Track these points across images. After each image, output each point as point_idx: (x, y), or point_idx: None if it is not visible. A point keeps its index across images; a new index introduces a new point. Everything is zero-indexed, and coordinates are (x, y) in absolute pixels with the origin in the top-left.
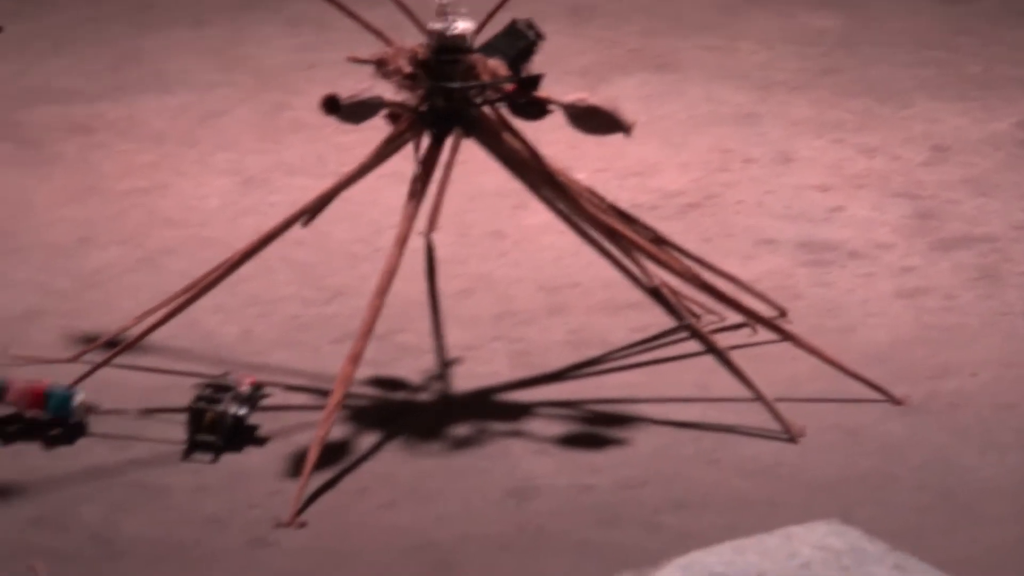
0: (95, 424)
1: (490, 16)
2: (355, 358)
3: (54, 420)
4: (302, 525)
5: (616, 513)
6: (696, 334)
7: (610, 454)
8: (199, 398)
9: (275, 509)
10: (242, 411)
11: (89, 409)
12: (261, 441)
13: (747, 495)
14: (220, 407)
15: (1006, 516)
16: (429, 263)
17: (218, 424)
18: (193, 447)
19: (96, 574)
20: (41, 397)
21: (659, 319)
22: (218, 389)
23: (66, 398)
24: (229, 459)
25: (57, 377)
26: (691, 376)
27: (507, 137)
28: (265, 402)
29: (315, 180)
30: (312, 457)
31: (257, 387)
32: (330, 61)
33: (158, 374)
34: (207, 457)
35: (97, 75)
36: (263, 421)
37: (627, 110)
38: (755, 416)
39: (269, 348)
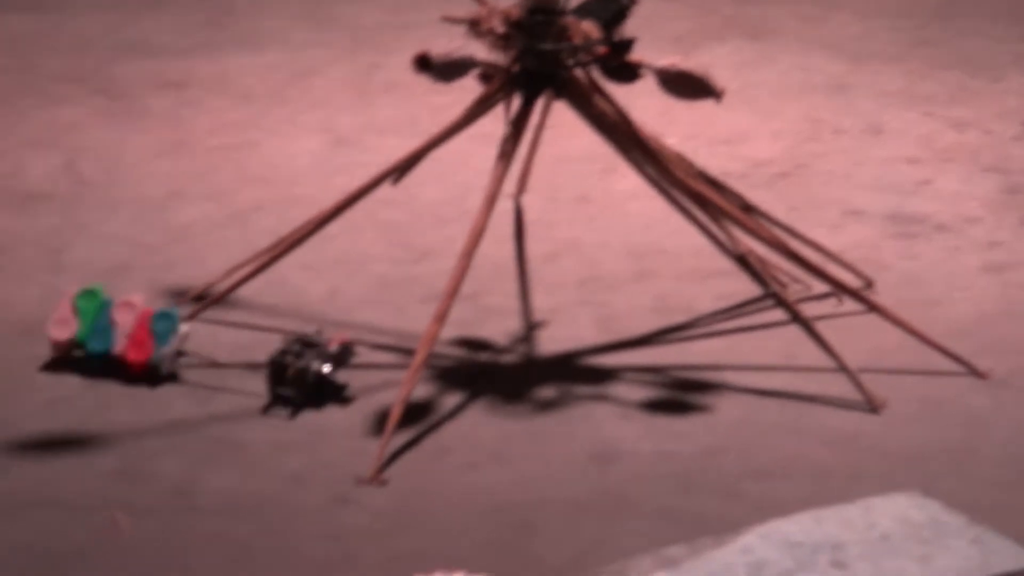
0: (180, 375)
1: None
2: (440, 318)
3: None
4: (383, 483)
5: (697, 480)
6: (782, 303)
7: (693, 421)
8: (284, 352)
9: (356, 467)
10: (326, 368)
11: (180, 353)
12: (345, 400)
13: (828, 465)
14: (303, 362)
15: None
16: (517, 226)
17: (299, 379)
18: (273, 401)
19: (176, 527)
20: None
21: (745, 287)
22: (305, 345)
23: (172, 320)
24: (311, 416)
25: None
26: (776, 345)
27: (598, 100)
28: (352, 362)
29: (406, 140)
30: (395, 416)
31: (346, 346)
32: (424, 21)
33: (245, 329)
34: (285, 412)
35: (191, 31)
36: (347, 379)
37: (719, 77)
38: (838, 386)
39: (355, 306)
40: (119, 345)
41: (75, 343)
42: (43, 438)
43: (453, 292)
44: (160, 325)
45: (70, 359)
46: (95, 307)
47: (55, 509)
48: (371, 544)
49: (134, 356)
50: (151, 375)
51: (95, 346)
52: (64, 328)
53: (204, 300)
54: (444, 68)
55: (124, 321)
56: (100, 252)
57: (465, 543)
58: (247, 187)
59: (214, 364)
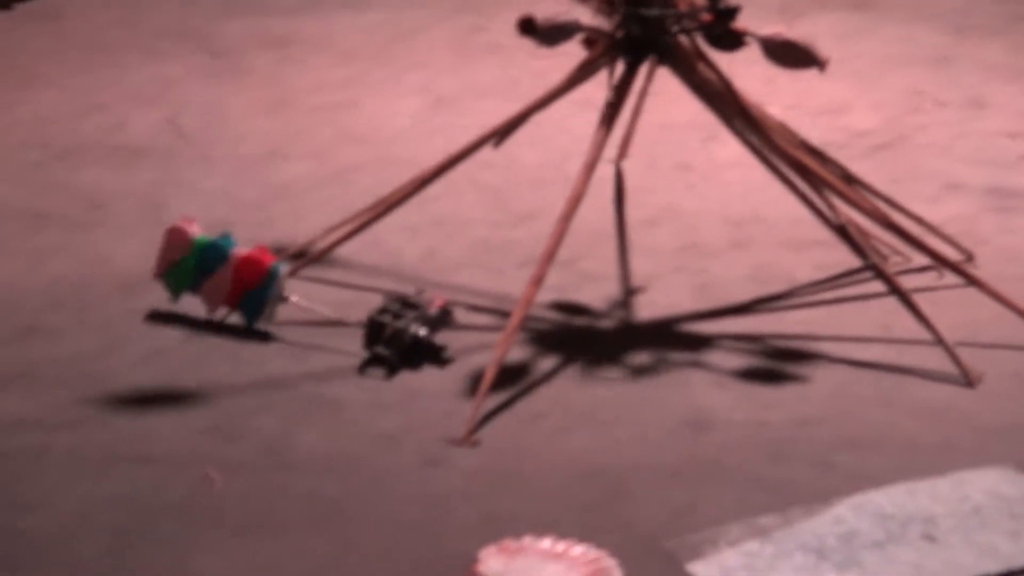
0: (277, 331)
1: None
2: (537, 281)
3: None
4: (475, 444)
5: (789, 449)
6: (881, 274)
7: (787, 390)
8: (383, 311)
9: (450, 429)
10: (423, 331)
11: (281, 299)
12: (443, 362)
13: (921, 438)
14: (401, 323)
15: None
16: (617, 191)
17: (396, 339)
18: (369, 360)
19: (268, 485)
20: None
21: (844, 258)
22: (405, 305)
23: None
24: (406, 377)
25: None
26: (873, 316)
27: (702, 67)
28: (450, 325)
29: (506, 103)
30: (488, 378)
31: (446, 309)
32: None
33: (343, 288)
34: (381, 372)
35: None
36: (445, 341)
37: (822, 47)
38: (934, 359)
39: (453, 268)
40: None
41: (192, 246)
42: (140, 393)
43: (550, 256)
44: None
45: (170, 315)
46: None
47: (150, 464)
48: (462, 506)
49: (251, 258)
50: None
51: (212, 250)
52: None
53: (303, 258)
54: (548, 32)
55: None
56: (200, 208)
57: (556, 507)
58: (347, 146)
59: (317, 320)
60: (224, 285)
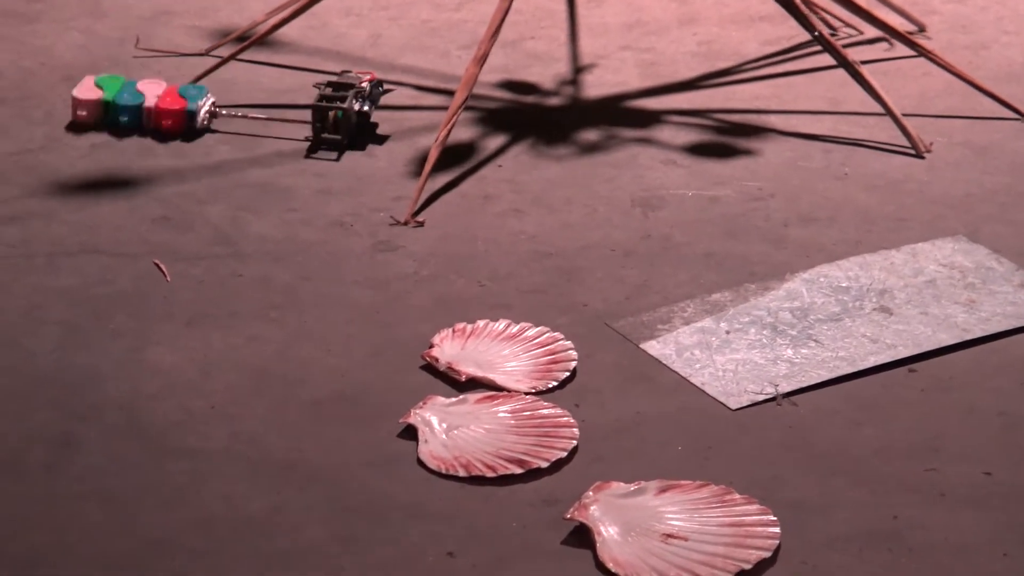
0: (221, 124)
1: None
2: (480, 59)
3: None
4: (419, 224)
5: (742, 225)
6: (828, 47)
7: (738, 166)
8: (323, 96)
9: (399, 213)
10: (365, 107)
11: (213, 114)
12: (382, 139)
13: (874, 210)
14: (344, 104)
15: None
16: None
17: (342, 122)
18: (316, 145)
19: (221, 274)
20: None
21: (793, 31)
22: (339, 87)
23: (201, 91)
24: (353, 163)
25: (186, 71)
26: (822, 90)
27: None
28: (392, 104)
29: None
30: (432, 158)
31: (377, 83)
32: None
33: (286, 71)
34: (331, 155)
35: None
36: (389, 124)
37: None
38: (886, 132)
39: (398, 52)
40: (150, 101)
41: (103, 103)
42: (86, 185)
43: (493, 33)
44: (189, 92)
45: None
46: (119, 84)
47: (99, 256)
48: (415, 290)
49: (167, 104)
50: (187, 129)
51: (127, 99)
52: (91, 92)
53: (245, 41)
54: None
55: (151, 89)
56: None
57: (509, 289)
58: None
59: (253, 117)
60: (151, 126)
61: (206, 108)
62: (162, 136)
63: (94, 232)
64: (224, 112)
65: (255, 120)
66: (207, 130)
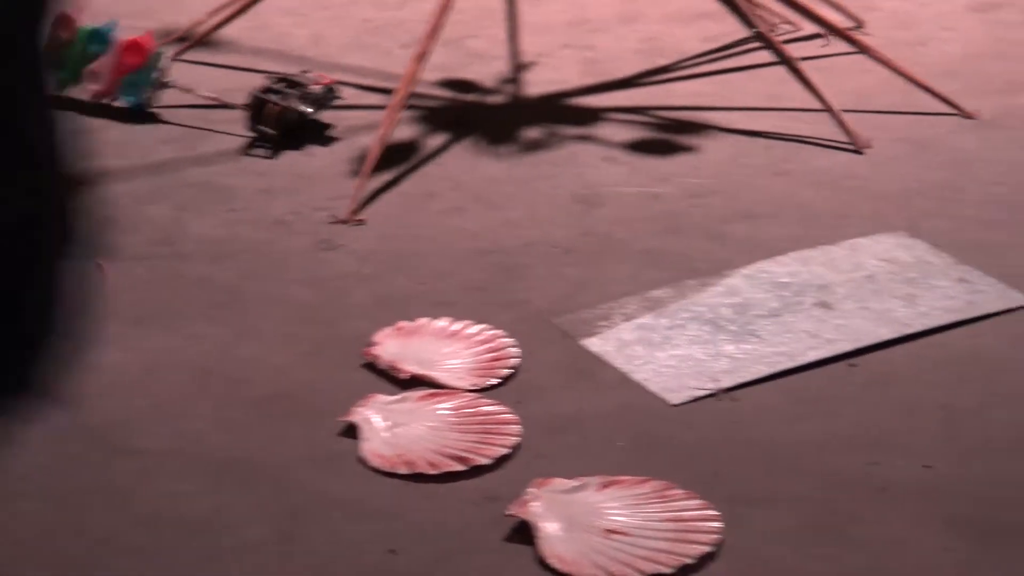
0: (162, 116)
1: None
2: (420, 57)
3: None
4: (361, 222)
5: (683, 222)
6: (768, 43)
7: (678, 162)
8: (267, 90)
9: (341, 212)
10: (308, 109)
11: (163, 84)
12: (326, 141)
13: (814, 206)
14: (286, 102)
15: None
16: None
17: (281, 118)
18: (253, 140)
19: (163, 274)
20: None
21: (733, 28)
22: (290, 84)
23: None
24: (296, 162)
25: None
26: (762, 86)
27: None
28: (336, 104)
29: None
30: (373, 155)
31: (330, 88)
32: None
33: (229, 71)
34: (266, 152)
35: None
36: (330, 122)
37: None
38: (825, 128)
39: (340, 52)
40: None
41: (77, 35)
42: None
43: (434, 31)
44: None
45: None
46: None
47: None
48: (356, 288)
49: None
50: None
51: (97, 36)
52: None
53: (186, 41)
54: None
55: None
56: None
57: (450, 287)
58: None
59: (203, 103)
60: (107, 69)
61: (164, 70)
62: (120, 69)
63: None
64: (172, 84)
65: (199, 115)
66: (151, 116)
